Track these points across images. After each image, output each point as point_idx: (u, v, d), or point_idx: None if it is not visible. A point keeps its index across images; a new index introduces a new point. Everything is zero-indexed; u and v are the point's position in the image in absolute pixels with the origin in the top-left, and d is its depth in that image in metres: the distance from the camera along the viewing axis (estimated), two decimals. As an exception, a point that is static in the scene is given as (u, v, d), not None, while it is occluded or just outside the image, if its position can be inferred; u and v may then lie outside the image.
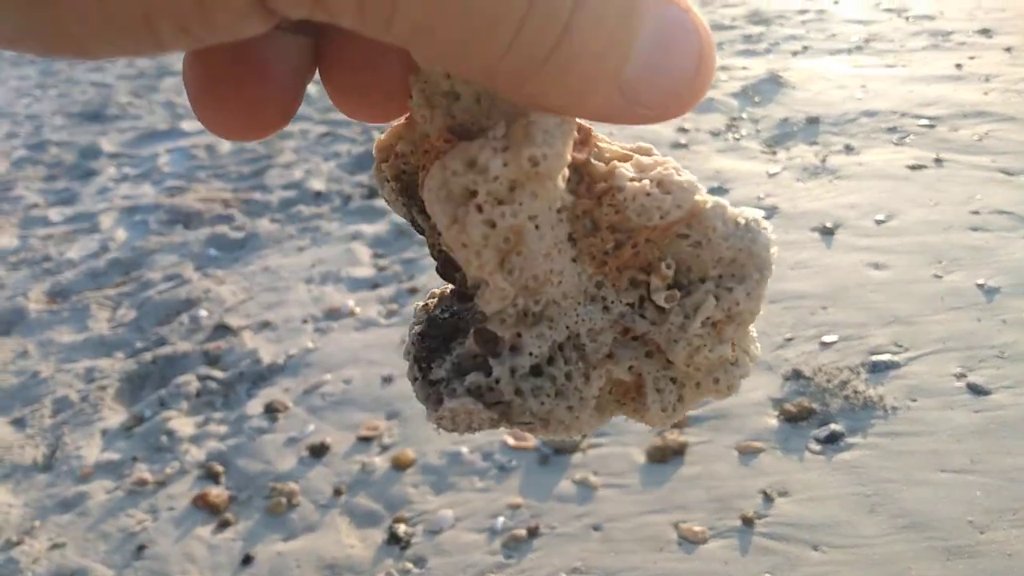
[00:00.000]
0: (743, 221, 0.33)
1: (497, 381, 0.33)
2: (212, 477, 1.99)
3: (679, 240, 0.33)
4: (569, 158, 0.29)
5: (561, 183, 0.30)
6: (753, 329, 0.36)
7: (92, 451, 2.14)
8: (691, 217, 0.33)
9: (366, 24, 0.22)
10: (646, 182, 0.32)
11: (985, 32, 4.47)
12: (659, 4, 0.26)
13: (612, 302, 0.34)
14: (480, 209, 0.29)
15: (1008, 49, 4.16)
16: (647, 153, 0.34)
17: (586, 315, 0.34)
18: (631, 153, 0.34)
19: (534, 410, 0.33)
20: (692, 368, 0.34)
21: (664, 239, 0.33)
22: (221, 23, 0.21)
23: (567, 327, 0.33)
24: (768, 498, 1.70)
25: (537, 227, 0.30)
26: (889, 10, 5.15)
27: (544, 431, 0.34)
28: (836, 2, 5.51)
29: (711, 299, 0.33)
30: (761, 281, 0.33)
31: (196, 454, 2.08)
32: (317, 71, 0.32)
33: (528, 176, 0.29)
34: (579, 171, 0.32)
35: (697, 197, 0.32)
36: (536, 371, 0.33)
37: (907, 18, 4.94)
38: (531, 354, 0.33)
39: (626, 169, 0.32)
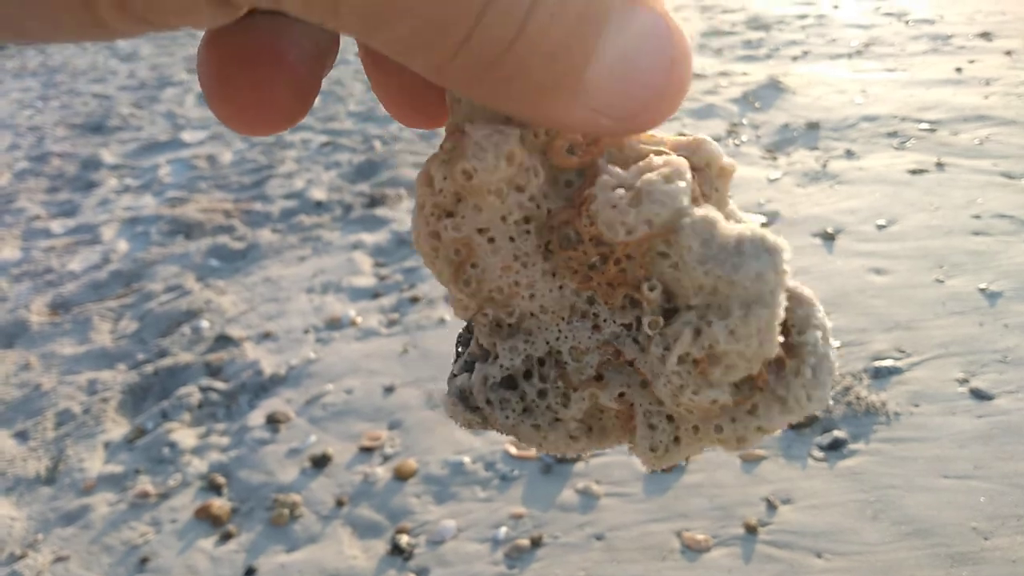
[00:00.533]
0: (733, 242, 0.26)
1: (472, 387, 0.33)
2: (214, 489, 1.99)
3: (660, 259, 0.28)
4: (511, 170, 0.27)
5: (517, 194, 0.28)
6: (832, 366, 0.28)
7: (95, 464, 2.14)
8: (668, 233, 0.27)
9: (312, 11, 0.21)
10: (620, 191, 0.28)
11: (985, 36, 4.47)
12: (627, 5, 0.23)
13: (605, 321, 0.30)
14: (427, 222, 0.29)
15: (1008, 52, 4.16)
16: (696, 148, 0.30)
17: (570, 332, 0.31)
18: (664, 150, 0.30)
19: (500, 422, 0.32)
20: (683, 410, 0.29)
21: (645, 257, 0.29)
22: (167, 3, 0.20)
23: (547, 342, 0.31)
24: (771, 506, 1.69)
25: (491, 240, 0.29)
26: (889, 14, 5.16)
27: (524, 443, 0.33)
28: (836, 7, 5.52)
29: (687, 333, 0.27)
30: (747, 319, 0.26)
31: (198, 466, 2.08)
32: (368, 78, 0.32)
33: (466, 190, 0.28)
34: (584, 175, 0.29)
35: (681, 207, 0.27)
36: (510, 383, 0.32)
37: (907, 22, 4.95)
38: (503, 366, 0.32)
39: (610, 175, 0.28)
